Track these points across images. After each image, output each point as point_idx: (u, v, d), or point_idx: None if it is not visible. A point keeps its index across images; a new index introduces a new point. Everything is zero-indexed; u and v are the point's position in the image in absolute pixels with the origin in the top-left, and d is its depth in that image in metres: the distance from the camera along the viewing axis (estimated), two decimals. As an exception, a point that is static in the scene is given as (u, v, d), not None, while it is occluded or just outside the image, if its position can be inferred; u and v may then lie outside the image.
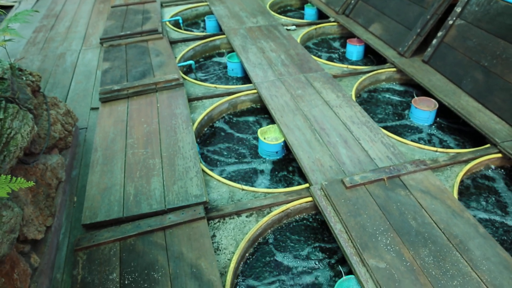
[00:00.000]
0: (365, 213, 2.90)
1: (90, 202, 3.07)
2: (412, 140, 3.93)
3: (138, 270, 2.58)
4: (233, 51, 5.71)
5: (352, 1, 6.53)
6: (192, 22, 7.50)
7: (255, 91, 4.65)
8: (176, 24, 6.94)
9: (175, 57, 5.46)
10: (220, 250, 2.84)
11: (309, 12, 7.17)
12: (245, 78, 5.34)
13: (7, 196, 1.67)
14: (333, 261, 2.93)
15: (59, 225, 2.99)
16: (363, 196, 3.05)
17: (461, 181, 3.41)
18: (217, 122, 4.52)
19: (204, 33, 6.34)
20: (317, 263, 2.93)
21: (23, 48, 5.92)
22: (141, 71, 4.84)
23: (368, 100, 4.84)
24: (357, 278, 2.55)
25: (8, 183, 1.60)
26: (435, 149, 3.66)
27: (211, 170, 3.73)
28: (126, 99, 4.39)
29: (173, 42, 5.95)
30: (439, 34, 4.93)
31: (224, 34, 6.12)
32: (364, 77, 4.91)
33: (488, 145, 3.71)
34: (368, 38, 5.75)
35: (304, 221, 3.23)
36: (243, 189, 3.32)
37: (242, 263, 2.89)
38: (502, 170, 3.63)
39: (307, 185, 3.33)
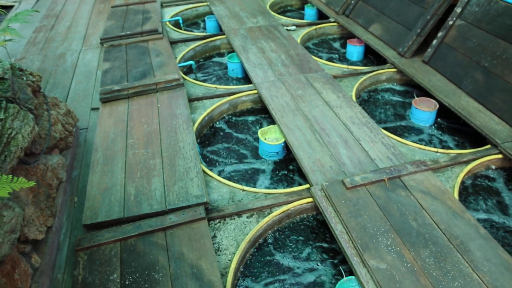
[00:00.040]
0: (365, 213, 2.90)
1: (91, 202, 3.07)
2: (412, 141, 3.93)
3: (139, 271, 2.58)
4: (233, 51, 5.71)
5: (352, 2, 6.53)
6: (192, 22, 7.50)
7: (255, 91, 4.65)
8: (176, 24, 6.94)
9: (175, 58, 5.46)
10: (220, 251, 2.84)
11: (309, 12, 7.17)
12: (246, 79, 5.34)
13: (8, 196, 1.67)
14: (333, 262, 2.93)
15: (60, 225, 2.99)
16: (364, 196, 3.05)
17: (462, 182, 3.42)
18: (217, 122, 4.52)
19: (204, 33, 6.34)
20: (317, 263, 2.93)
21: (23, 48, 5.92)
22: (142, 71, 4.84)
23: (369, 101, 4.85)
24: (358, 279, 2.55)
25: (9, 183, 1.60)
26: (435, 149, 3.66)
27: (212, 170, 3.73)
28: (126, 99, 4.39)
29: (173, 42, 5.95)
30: (439, 34, 4.93)
31: (224, 34, 6.12)
32: (364, 77, 4.91)
33: (488, 146, 3.71)
34: (368, 38, 5.75)
35: (305, 222, 3.24)
36: (243, 190, 3.32)
37: (242, 263, 2.89)
38: (503, 171, 3.63)
39: (307, 185, 3.33)
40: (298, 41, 5.88)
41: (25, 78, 3.27)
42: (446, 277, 2.46)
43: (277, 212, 3.11)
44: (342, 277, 2.70)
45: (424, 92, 4.62)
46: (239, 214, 3.10)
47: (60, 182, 3.20)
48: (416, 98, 4.44)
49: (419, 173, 3.25)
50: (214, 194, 3.29)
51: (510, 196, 3.41)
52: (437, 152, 3.64)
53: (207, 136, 4.33)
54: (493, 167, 3.64)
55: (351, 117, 4.04)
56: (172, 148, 3.60)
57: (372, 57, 5.81)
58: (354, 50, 5.75)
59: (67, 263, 2.77)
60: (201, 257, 2.64)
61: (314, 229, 3.18)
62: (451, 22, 4.84)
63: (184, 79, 4.93)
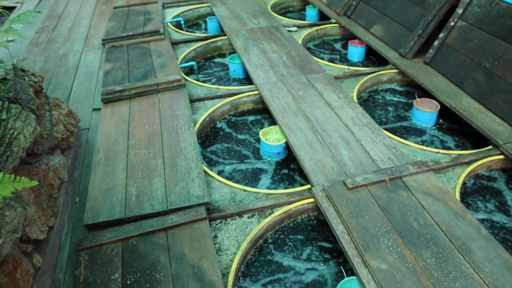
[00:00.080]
0: (367, 214, 2.90)
1: (92, 202, 3.08)
2: (414, 142, 3.93)
3: (140, 271, 2.58)
4: (234, 52, 5.72)
5: (354, 3, 6.53)
6: (194, 23, 7.52)
7: (256, 92, 4.65)
8: (177, 25, 6.95)
9: (177, 58, 5.47)
10: (222, 251, 2.84)
11: (311, 13, 7.18)
12: (247, 79, 5.34)
13: (11, 195, 1.68)
14: (334, 262, 2.93)
15: (61, 225, 2.99)
16: (365, 197, 3.05)
17: (463, 182, 3.41)
18: (218, 123, 4.52)
19: (205, 34, 6.35)
20: (318, 264, 2.93)
21: (25, 49, 5.94)
22: (143, 72, 4.85)
23: (370, 102, 4.85)
24: (359, 279, 2.55)
25: (12, 183, 1.61)
26: (437, 150, 3.66)
27: (213, 171, 3.73)
28: (128, 100, 4.40)
29: (174, 43, 5.96)
30: (441, 35, 4.93)
31: (225, 35, 6.13)
32: (365, 78, 4.91)
33: (490, 147, 3.70)
34: (369, 39, 5.76)
35: (306, 222, 3.23)
36: (244, 190, 3.33)
37: (243, 264, 2.89)
38: (504, 172, 3.62)
39: (308, 186, 3.33)
40: (300, 42, 5.89)
41: (27, 79, 3.28)
42: (447, 277, 2.46)
43: (278, 212, 3.11)
44: (343, 277, 2.70)
45: (425, 93, 4.62)
46: (240, 214, 3.10)
47: (62, 182, 3.21)
48: (417, 99, 4.44)
49: (421, 173, 3.25)
50: (215, 194, 3.30)
51: (511, 196, 3.41)
52: (438, 153, 3.64)
53: (209, 136, 4.33)
54: (495, 168, 3.63)
55: (353, 118, 4.04)
56: (173, 149, 3.61)
57: (373, 58, 5.82)
58: (355, 51, 5.76)
59: (68, 263, 2.77)
60: (202, 257, 2.65)
61: (315, 230, 3.18)
62: (452, 23, 4.84)
63: (186, 79, 4.94)
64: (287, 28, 6.30)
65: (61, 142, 3.46)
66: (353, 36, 6.07)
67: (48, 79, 5.04)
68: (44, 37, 6.33)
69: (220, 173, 3.81)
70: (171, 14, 7.17)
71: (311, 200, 3.18)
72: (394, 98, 4.91)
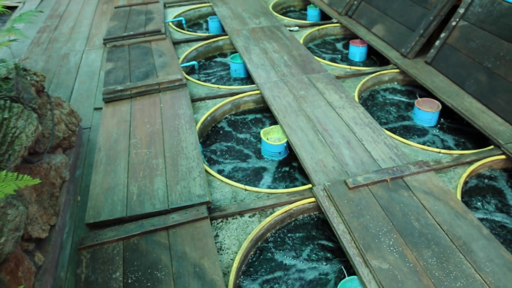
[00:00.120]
0: (368, 214, 2.90)
1: (94, 201, 3.08)
2: (415, 141, 3.93)
3: (141, 269, 2.58)
4: (236, 52, 5.72)
5: (355, 2, 6.53)
6: (195, 23, 7.52)
7: (258, 91, 4.66)
8: (179, 24, 6.96)
9: (178, 58, 5.47)
10: (223, 250, 2.84)
11: (312, 13, 7.18)
12: (248, 79, 5.35)
13: (14, 193, 1.69)
14: (335, 262, 2.93)
15: (63, 224, 3.00)
16: (366, 197, 3.05)
17: (465, 182, 3.41)
18: (220, 122, 4.53)
19: (207, 34, 6.35)
20: (319, 263, 2.93)
21: (27, 48, 5.95)
22: (144, 71, 4.86)
23: (371, 101, 4.84)
24: (360, 278, 2.55)
25: (14, 181, 1.62)
26: (438, 150, 3.66)
27: (214, 170, 3.74)
28: (129, 100, 4.40)
29: (176, 43, 5.97)
30: (442, 35, 4.93)
31: (227, 35, 6.14)
32: (367, 78, 4.91)
33: (491, 147, 3.70)
34: (371, 39, 5.75)
35: (307, 222, 3.24)
36: (246, 190, 3.33)
37: (244, 263, 2.89)
38: (506, 172, 3.62)
39: (310, 185, 3.33)
40: (301, 41, 5.89)
41: (29, 78, 3.29)
42: (448, 277, 2.45)
43: (279, 211, 3.11)
44: (344, 277, 2.70)
45: (427, 93, 4.62)
46: (241, 213, 3.11)
47: (63, 181, 3.22)
48: (418, 98, 4.44)
49: (422, 173, 3.25)
50: (216, 193, 3.30)
51: (513, 197, 3.40)
52: (439, 152, 3.64)
53: (210, 136, 4.34)
54: (496, 168, 3.63)
55: (354, 117, 4.04)
56: (174, 148, 3.61)
57: (374, 58, 5.81)
58: (357, 51, 5.76)
59: (70, 262, 2.78)
60: (203, 256, 2.65)
61: (316, 229, 3.18)
62: (454, 23, 4.84)
63: (187, 79, 4.95)
64: (288, 28, 6.30)
65: (63, 141, 3.47)
66: (354, 36, 6.07)
67: (49, 79, 5.05)
68: (46, 37, 6.34)
69: (221, 172, 3.81)
70: (172, 13, 7.18)
71: (312, 199, 3.19)
72: (396, 98, 4.90)
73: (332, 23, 6.55)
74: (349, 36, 6.27)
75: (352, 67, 5.15)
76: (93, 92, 4.77)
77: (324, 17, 7.06)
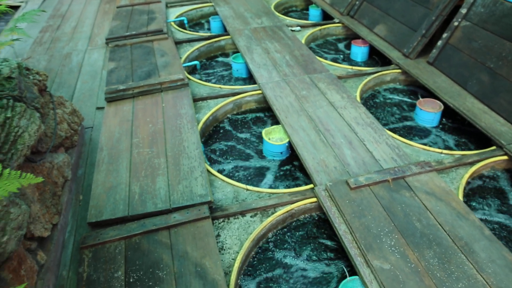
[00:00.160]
0: (369, 214, 2.90)
1: (96, 200, 3.09)
2: (417, 142, 3.92)
3: (143, 269, 2.59)
4: (237, 51, 5.72)
5: (357, 2, 6.53)
6: (197, 22, 7.53)
7: (259, 91, 4.66)
8: (181, 24, 6.97)
9: (180, 58, 5.48)
10: (224, 250, 2.85)
11: (314, 13, 7.18)
12: (250, 79, 5.35)
13: (17, 192, 1.70)
14: (337, 262, 2.93)
15: (65, 223, 3.01)
16: (368, 197, 3.05)
17: (467, 183, 3.40)
18: (221, 122, 4.53)
19: (209, 34, 6.36)
20: (320, 263, 2.93)
21: (29, 48, 5.97)
22: (146, 71, 4.86)
23: (373, 101, 4.84)
24: (362, 279, 2.55)
25: (17, 179, 1.63)
26: (440, 150, 3.65)
27: (216, 169, 3.74)
28: (131, 99, 4.41)
29: (178, 43, 5.98)
30: (444, 35, 4.92)
31: (229, 34, 6.14)
32: (368, 78, 4.91)
33: (493, 147, 3.69)
34: (372, 39, 5.75)
35: (308, 222, 3.24)
36: (247, 189, 3.33)
37: (246, 262, 2.90)
38: (508, 173, 3.61)
39: (311, 185, 3.33)
40: (303, 41, 5.88)
41: (31, 77, 3.30)
42: (450, 278, 2.45)
43: (281, 211, 3.11)
44: (346, 277, 2.70)
45: (428, 93, 4.61)
46: (243, 213, 3.11)
47: (66, 180, 3.23)
48: (420, 99, 4.43)
49: (424, 174, 3.25)
50: (218, 193, 3.31)
51: (515, 197, 3.40)
52: (441, 153, 3.63)
53: (212, 135, 4.34)
54: (498, 168, 3.62)
55: (356, 117, 4.04)
56: (176, 148, 3.62)
57: (376, 58, 5.81)
58: (359, 51, 5.75)
59: (72, 261, 2.79)
60: (205, 256, 2.65)
61: (317, 229, 3.18)
62: (456, 23, 4.83)
63: (189, 79, 4.95)
64: (290, 28, 6.30)
65: (65, 140, 3.48)
66: (356, 36, 6.06)
67: (52, 78, 5.06)
68: (48, 36, 6.36)
69: (222, 172, 3.82)
70: (174, 13, 7.18)
71: (314, 199, 3.19)
72: (397, 98, 4.90)
73: (334, 23, 6.55)
74: (351, 36, 6.27)
75: (354, 67, 5.15)
76: (95, 92, 4.78)
77: (326, 17, 7.06)
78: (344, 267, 2.85)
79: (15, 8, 8.09)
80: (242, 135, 4.33)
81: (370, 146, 3.63)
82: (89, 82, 4.99)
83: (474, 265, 2.53)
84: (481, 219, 3.10)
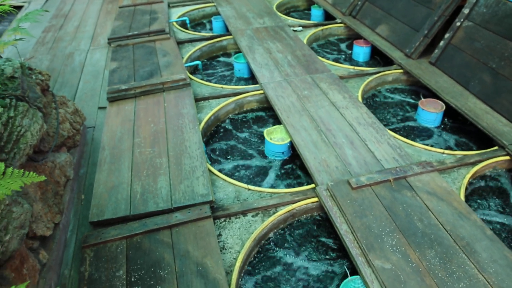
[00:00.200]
0: (371, 214, 2.90)
1: (98, 200, 3.10)
2: (418, 142, 3.92)
3: (145, 268, 2.60)
4: (239, 51, 5.73)
5: (359, 2, 6.52)
6: (199, 22, 7.54)
7: (261, 91, 4.66)
8: (183, 24, 6.98)
9: (182, 57, 5.49)
10: (226, 249, 2.85)
11: (316, 13, 7.18)
12: (252, 79, 5.35)
13: (20, 190, 1.71)
14: (338, 262, 2.93)
15: (67, 222, 3.02)
16: (369, 197, 3.05)
17: (468, 183, 3.40)
18: (223, 122, 4.54)
19: (211, 34, 6.37)
20: (322, 263, 2.93)
21: (32, 48, 5.99)
22: (149, 71, 4.88)
23: (375, 102, 4.84)
24: (363, 278, 2.55)
25: (20, 177, 1.64)
26: (442, 150, 3.65)
27: (218, 169, 3.75)
28: (133, 99, 4.42)
29: (180, 43, 5.99)
30: (447, 35, 4.91)
31: (231, 34, 6.15)
32: (370, 78, 4.90)
33: (495, 148, 3.68)
34: (374, 39, 5.74)
35: (310, 221, 3.24)
36: (249, 189, 3.34)
37: (247, 262, 2.90)
38: (510, 173, 3.60)
39: (313, 185, 3.33)
40: (305, 41, 5.89)
41: (34, 77, 3.31)
42: (451, 278, 2.45)
43: (282, 211, 3.11)
44: (347, 276, 2.70)
45: (430, 93, 4.60)
46: (244, 213, 3.11)
47: (68, 180, 3.24)
48: (422, 99, 4.43)
49: (425, 174, 3.24)
50: (219, 193, 3.31)
51: (517, 198, 3.39)
52: (443, 153, 3.63)
53: (213, 135, 4.35)
54: (500, 168, 3.61)
55: (357, 117, 4.03)
56: (178, 147, 3.63)
57: (378, 58, 5.80)
58: (361, 51, 5.75)
59: (74, 260, 2.80)
60: (206, 255, 2.66)
61: (318, 229, 3.18)
62: (458, 23, 4.82)
63: (191, 79, 4.96)
64: (292, 28, 6.30)
65: (67, 140, 3.50)
66: (358, 36, 6.06)
67: (54, 78, 5.08)
68: (51, 36, 6.38)
69: (224, 171, 3.82)
70: (176, 13, 7.20)
71: (315, 199, 3.19)
72: (399, 98, 4.89)
73: (336, 23, 6.55)
74: (353, 36, 6.26)
75: (355, 67, 5.15)
76: (98, 91, 4.80)
77: (328, 17, 7.05)
78: (345, 267, 2.85)
79: (18, 8, 8.12)
80: (244, 135, 4.34)
81: (372, 146, 3.63)
82: (91, 82, 5.00)
83: (476, 265, 2.52)
84: (482, 219, 3.09)
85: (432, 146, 3.93)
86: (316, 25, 6.52)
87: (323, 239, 3.11)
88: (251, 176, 3.77)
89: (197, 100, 4.51)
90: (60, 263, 2.74)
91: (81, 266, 2.64)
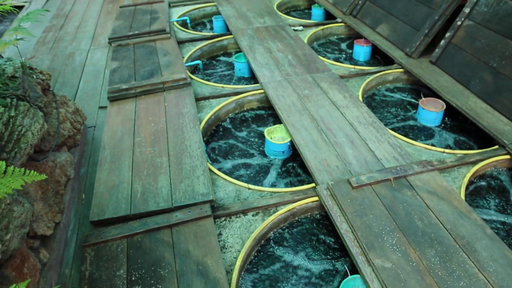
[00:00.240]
0: (371, 213, 2.90)
1: (98, 199, 3.11)
2: (419, 141, 3.92)
3: (145, 267, 2.60)
4: (240, 51, 5.73)
5: (360, 2, 6.52)
6: (200, 22, 7.54)
7: (262, 91, 4.66)
8: (183, 24, 6.99)
9: (183, 57, 5.50)
10: (226, 248, 2.86)
11: (316, 12, 7.17)
12: (252, 78, 5.36)
13: (21, 189, 1.72)
14: (338, 261, 2.94)
15: (67, 222, 3.03)
16: (369, 196, 3.05)
17: (469, 182, 3.40)
18: (224, 121, 4.54)
19: (211, 33, 6.37)
20: (322, 262, 2.93)
21: (33, 47, 6.00)
22: (149, 70, 4.88)
23: (375, 101, 4.84)
24: (363, 277, 2.55)
25: (21, 176, 1.65)
26: (442, 150, 3.64)
27: (218, 169, 3.75)
28: (134, 98, 4.43)
29: (180, 42, 5.99)
30: (447, 35, 4.91)
31: (231, 34, 6.15)
32: (371, 77, 4.90)
33: (496, 147, 3.68)
34: (375, 38, 5.74)
35: (310, 221, 3.24)
36: (249, 188, 3.34)
37: (248, 261, 2.91)
38: (510, 172, 3.60)
39: (313, 184, 3.33)
40: (305, 41, 5.88)
41: (35, 77, 3.32)
42: (451, 276, 2.45)
43: (282, 210, 3.12)
44: (347, 275, 2.70)
45: (431, 93, 4.60)
46: (244, 212, 3.12)
47: (68, 179, 3.24)
48: (423, 98, 4.42)
49: (425, 173, 3.24)
50: (220, 192, 3.31)
51: (517, 197, 3.39)
52: (443, 152, 3.62)
53: (214, 134, 4.35)
54: (501, 168, 3.61)
55: (358, 117, 4.03)
56: (178, 147, 3.63)
57: (379, 58, 5.80)
58: (361, 51, 5.75)
59: (74, 259, 2.80)
60: (206, 254, 2.66)
61: (319, 228, 3.19)
62: (459, 23, 4.82)
63: (191, 78, 4.97)
64: (292, 27, 6.30)
65: (68, 139, 3.50)
66: (359, 36, 6.06)
67: (55, 77, 5.09)
68: (52, 36, 6.39)
69: (224, 171, 3.82)
70: (177, 13, 7.20)
71: (316, 198, 3.19)
72: (400, 98, 4.89)
73: (337, 22, 6.54)
74: (354, 36, 6.26)
75: (356, 67, 5.15)
76: (98, 91, 4.80)
77: (329, 16, 7.05)
78: (345, 266, 2.85)
79: (19, 8, 8.13)
80: (244, 134, 4.34)
81: (372, 145, 3.63)
82: (92, 82, 5.01)
83: (476, 264, 2.52)
84: (483, 218, 3.09)
85: (432, 145, 3.93)
86: (317, 25, 6.52)
87: (323, 238, 3.11)
88: (251, 175, 3.77)
89: (197, 99, 4.52)
90: (61, 262, 2.75)
91: (82, 265, 2.65)
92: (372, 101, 4.83)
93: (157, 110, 4.18)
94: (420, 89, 4.94)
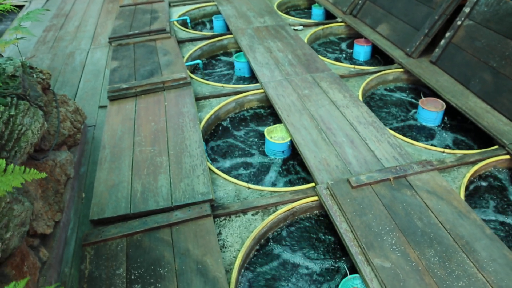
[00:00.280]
0: (370, 212, 2.91)
1: (98, 198, 3.11)
2: (419, 141, 3.92)
3: (145, 266, 2.61)
4: (240, 50, 5.73)
5: (360, 1, 6.52)
6: (200, 21, 7.54)
7: (262, 90, 4.67)
8: (183, 23, 6.99)
9: (183, 57, 5.50)
10: (225, 248, 2.86)
11: (317, 12, 7.17)
12: (252, 78, 5.36)
13: (21, 187, 1.72)
14: (338, 260, 2.94)
15: (67, 221, 3.03)
16: (369, 195, 3.05)
17: (468, 182, 3.40)
18: (224, 121, 4.54)
19: (211, 33, 6.37)
20: (321, 261, 2.94)
21: (33, 47, 6.00)
22: (149, 70, 4.88)
23: (375, 101, 4.84)
24: (362, 277, 2.55)
25: (21, 174, 1.65)
26: (442, 150, 3.65)
27: (218, 168, 3.75)
28: (134, 98, 4.43)
29: (180, 42, 5.99)
30: (447, 34, 4.91)
31: (231, 34, 6.15)
32: (371, 77, 4.90)
33: (496, 147, 3.68)
34: (375, 38, 5.74)
35: (310, 220, 3.24)
36: (249, 188, 3.34)
37: (247, 260, 2.91)
38: (510, 172, 3.60)
39: (313, 184, 3.34)
40: (305, 41, 5.89)
41: (35, 76, 3.32)
42: (450, 276, 2.45)
43: (282, 210, 3.12)
44: (347, 275, 2.71)
45: (431, 92, 4.60)
46: (244, 211, 3.12)
47: (68, 178, 3.25)
48: (423, 98, 4.43)
49: (425, 173, 3.24)
50: (219, 191, 3.32)
51: (517, 197, 3.39)
52: (443, 152, 3.63)
53: (213, 134, 4.35)
54: (500, 168, 3.61)
55: (358, 116, 4.04)
56: (178, 146, 3.64)
57: (379, 57, 5.80)
58: (361, 50, 5.75)
59: (74, 258, 2.81)
60: (206, 254, 2.67)
61: (318, 227, 3.19)
62: (459, 22, 4.82)
63: (191, 78, 4.97)
64: (293, 27, 6.30)
65: (68, 138, 3.51)
66: (359, 35, 6.06)
67: (55, 77, 5.09)
68: (52, 35, 6.39)
69: (224, 170, 3.83)
70: (177, 12, 7.20)
71: (315, 198, 3.19)
72: (400, 97, 4.89)
73: (337, 22, 6.54)
74: (354, 35, 6.26)
75: (356, 66, 5.15)
76: (98, 90, 4.81)
77: (329, 16, 7.05)
78: (345, 265, 2.85)
79: (20, 7, 8.13)
80: (244, 134, 4.35)
81: (372, 145, 3.63)
82: (92, 81, 5.01)
83: (475, 263, 2.52)
84: (482, 218, 3.09)
85: (432, 145, 3.93)
86: (317, 24, 6.52)
87: (322, 238, 3.11)
88: (251, 175, 3.78)
89: (197, 99, 4.52)
90: (61, 261, 2.75)
91: (82, 264, 2.65)
92: (372, 101, 4.83)
93: (157, 110, 4.19)
94: (420, 89, 4.95)
